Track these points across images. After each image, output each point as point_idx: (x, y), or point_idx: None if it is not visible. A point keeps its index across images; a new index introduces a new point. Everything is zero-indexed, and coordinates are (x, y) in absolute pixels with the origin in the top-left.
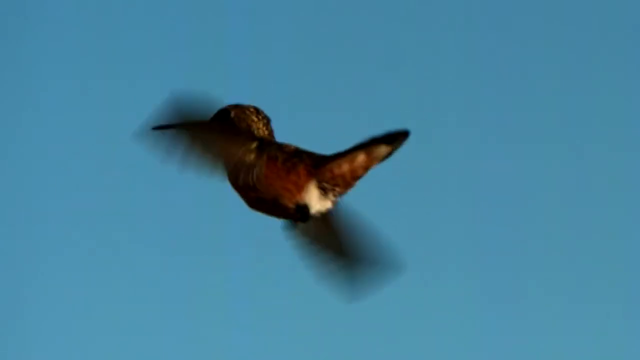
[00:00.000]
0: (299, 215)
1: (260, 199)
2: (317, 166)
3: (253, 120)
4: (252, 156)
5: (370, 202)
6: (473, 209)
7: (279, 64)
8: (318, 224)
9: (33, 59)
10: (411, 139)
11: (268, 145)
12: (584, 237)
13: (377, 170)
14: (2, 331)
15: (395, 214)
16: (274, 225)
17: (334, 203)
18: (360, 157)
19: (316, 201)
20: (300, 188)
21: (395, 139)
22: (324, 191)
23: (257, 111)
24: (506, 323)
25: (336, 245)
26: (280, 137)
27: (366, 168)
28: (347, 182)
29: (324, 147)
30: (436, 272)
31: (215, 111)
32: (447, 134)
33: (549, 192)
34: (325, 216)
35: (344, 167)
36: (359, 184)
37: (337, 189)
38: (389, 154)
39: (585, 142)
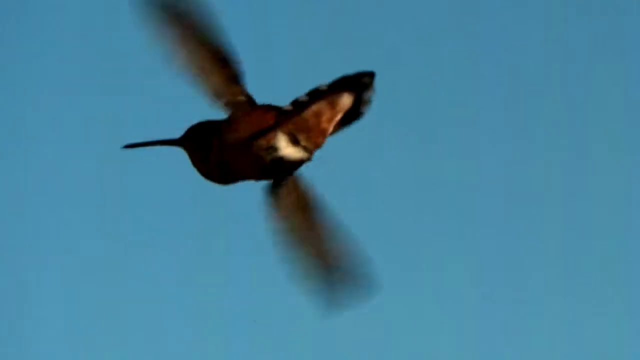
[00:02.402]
0: (270, 159)
1: (232, 151)
2: (282, 117)
3: None
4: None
5: (369, 199)
6: (472, 208)
7: (278, 66)
8: (295, 211)
9: (33, 59)
10: (410, 137)
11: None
12: (584, 237)
13: (374, 167)
14: (2, 331)
15: (395, 212)
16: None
17: (305, 156)
18: (325, 112)
19: (285, 145)
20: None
21: (359, 84)
22: (292, 139)
23: None
24: (505, 323)
25: (314, 243)
26: None
27: (332, 121)
28: (314, 140)
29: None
30: (435, 272)
31: (187, 129)
32: (446, 133)
33: (550, 192)
34: (301, 201)
35: (309, 122)
36: (352, 177)
37: (304, 142)
38: (357, 105)
39: (587, 143)
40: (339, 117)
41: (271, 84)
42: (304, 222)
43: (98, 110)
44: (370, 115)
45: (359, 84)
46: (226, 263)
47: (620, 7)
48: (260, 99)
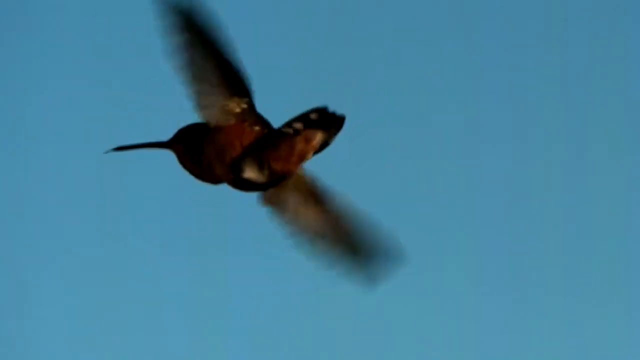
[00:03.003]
0: (233, 176)
1: (208, 147)
2: (257, 141)
3: None
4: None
5: (370, 199)
6: (473, 208)
7: (276, 67)
8: (307, 210)
9: (33, 59)
10: (410, 136)
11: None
12: (584, 237)
13: (381, 166)
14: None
15: (396, 212)
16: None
17: (270, 180)
18: (299, 145)
19: (249, 169)
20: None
21: (330, 124)
22: (259, 164)
23: None
24: (505, 322)
25: (332, 233)
26: None
27: (303, 155)
28: (283, 168)
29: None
30: (436, 272)
31: (175, 132)
32: (446, 133)
33: (549, 191)
34: (309, 200)
35: (282, 152)
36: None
37: (271, 169)
38: (325, 142)
39: (586, 143)
40: (311, 153)
41: (270, 84)
42: (317, 215)
43: (91, 111)
44: (370, 114)
45: (331, 124)
46: (223, 261)
47: (621, 7)
48: (261, 98)
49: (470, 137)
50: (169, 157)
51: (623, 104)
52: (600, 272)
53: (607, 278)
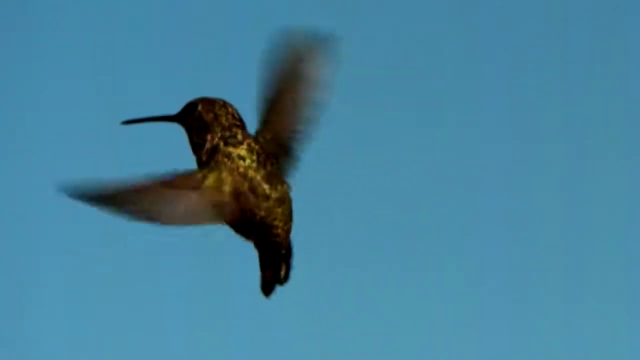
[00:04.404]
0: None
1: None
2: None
3: (220, 112)
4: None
5: (370, 199)
6: (472, 208)
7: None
8: None
9: (33, 58)
10: (411, 136)
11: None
12: (584, 237)
13: (380, 168)
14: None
15: (397, 213)
16: None
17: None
18: None
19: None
20: None
21: None
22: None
23: (225, 104)
24: (504, 322)
25: None
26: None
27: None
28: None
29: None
30: (436, 271)
31: (184, 105)
32: (446, 133)
33: (548, 192)
34: None
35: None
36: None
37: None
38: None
39: (586, 142)
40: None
41: None
42: None
43: (93, 94)
44: (369, 115)
45: None
46: (223, 258)
47: (620, 7)
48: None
49: (470, 137)
50: (173, 141)
51: (623, 104)
52: (600, 272)
53: (607, 278)
